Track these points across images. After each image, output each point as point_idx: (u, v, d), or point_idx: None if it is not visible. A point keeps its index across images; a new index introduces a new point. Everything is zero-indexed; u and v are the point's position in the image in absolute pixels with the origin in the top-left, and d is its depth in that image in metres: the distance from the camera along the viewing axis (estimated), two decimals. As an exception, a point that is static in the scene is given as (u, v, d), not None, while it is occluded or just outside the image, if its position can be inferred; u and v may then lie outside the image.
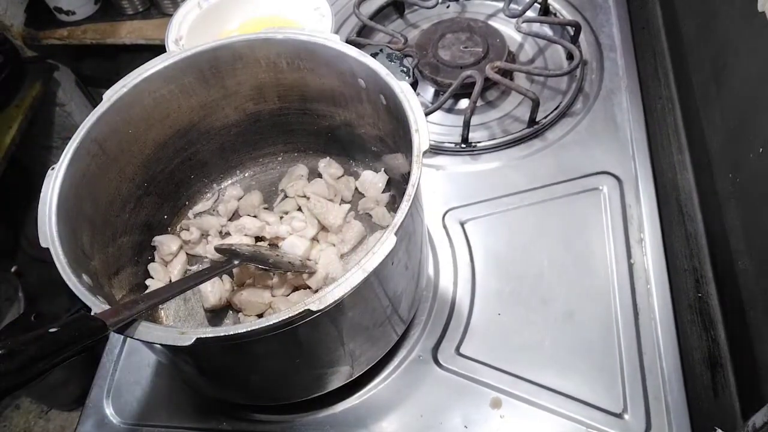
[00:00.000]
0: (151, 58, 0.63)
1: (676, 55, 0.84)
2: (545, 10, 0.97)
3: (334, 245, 0.69)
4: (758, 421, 0.50)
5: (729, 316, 0.62)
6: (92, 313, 0.44)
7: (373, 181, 0.73)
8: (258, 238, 0.71)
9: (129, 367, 0.72)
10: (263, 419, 0.66)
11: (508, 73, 0.89)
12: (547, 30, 0.96)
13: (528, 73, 0.90)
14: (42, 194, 0.53)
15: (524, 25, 0.91)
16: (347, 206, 0.73)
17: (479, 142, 0.83)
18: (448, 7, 1.04)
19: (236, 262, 0.62)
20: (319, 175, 0.75)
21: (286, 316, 0.44)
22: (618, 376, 0.64)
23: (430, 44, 0.92)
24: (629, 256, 0.71)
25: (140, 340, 0.46)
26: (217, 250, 0.66)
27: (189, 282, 0.58)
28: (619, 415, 0.62)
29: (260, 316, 0.65)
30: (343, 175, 0.75)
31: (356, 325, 0.55)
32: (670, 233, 0.73)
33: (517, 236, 0.75)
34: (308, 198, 0.72)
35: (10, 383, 0.36)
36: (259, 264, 0.63)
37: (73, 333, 0.41)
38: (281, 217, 0.72)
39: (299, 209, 0.73)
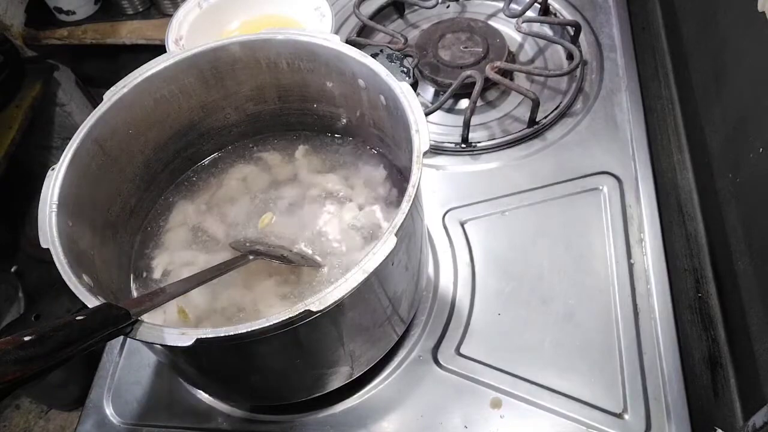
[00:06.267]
0: (151, 58, 0.63)
1: (676, 55, 0.84)
2: (545, 10, 0.97)
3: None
4: (758, 421, 0.50)
5: (729, 316, 0.62)
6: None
7: (372, 180, 0.73)
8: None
9: (129, 367, 0.72)
10: (263, 419, 0.66)
11: (508, 73, 0.89)
12: (547, 30, 0.96)
13: (528, 73, 0.90)
14: (42, 194, 0.53)
15: (524, 25, 0.91)
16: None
17: (479, 142, 0.83)
18: (448, 7, 1.04)
19: (251, 258, 0.62)
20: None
21: (287, 317, 0.44)
22: (618, 376, 0.64)
23: (430, 44, 0.92)
24: (629, 256, 0.71)
25: (140, 340, 0.46)
26: (233, 246, 0.66)
27: (207, 275, 0.58)
28: (619, 415, 0.62)
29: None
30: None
31: (356, 326, 0.55)
32: (670, 233, 0.73)
33: (517, 236, 0.75)
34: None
35: (40, 367, 0.37)
36: (274, 258, 0.63)
37: (99, 320, 0.42)
38: None
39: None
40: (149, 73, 0.62)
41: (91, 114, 0.59)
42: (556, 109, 0.85)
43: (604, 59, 0.90)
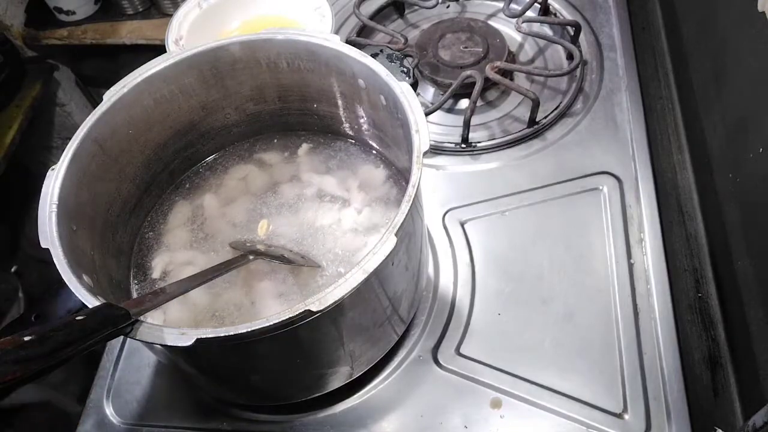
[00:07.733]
0: (151, 58, 0.63)
1: (676, 55, 0.84)
2: (545, 10, 0.97)
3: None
4: (758, 421, 0.50)
5: (729, 316, 0.62)
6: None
7: (372, 179, 0.73)
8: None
9: (129, 367, 0.72)
10: (263, 419, 0.66)
11: (508, 73, 0.89)
12: (547, 30, 0.96)
13: (528, 73, 0.90)
14: (42, 194, 0.53)
15: (524, 25, 0.91)
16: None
17: (479, 142, 0.83)
18: (448, 7, 1.04)
19: (251, 257, 0.62)
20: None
21: (286, 317, 0.44)
22: (618, 376, 0.64)
23: (430, 44, 0.92)
24: (629, 256, 0.71)
25: (140, 340, 0.46)
26: (233, 246, 0.66)
27: (207, 275, 0.58)
28: (619, 415, 0.62)
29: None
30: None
31: (356, 326, 0.55)
32: (670, 233, 0.73)
33: (517, 236, 0.75)
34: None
35: (40, 367, 0.37)
36: (274, 258, 0.63)
37: (99, 320, 0.43)
38: None
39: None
40: (149, 73, 0.62)
41: (91, 114, 0.59)
42: (556, 109, 0.85)
43: (604, 59, 0.90)
